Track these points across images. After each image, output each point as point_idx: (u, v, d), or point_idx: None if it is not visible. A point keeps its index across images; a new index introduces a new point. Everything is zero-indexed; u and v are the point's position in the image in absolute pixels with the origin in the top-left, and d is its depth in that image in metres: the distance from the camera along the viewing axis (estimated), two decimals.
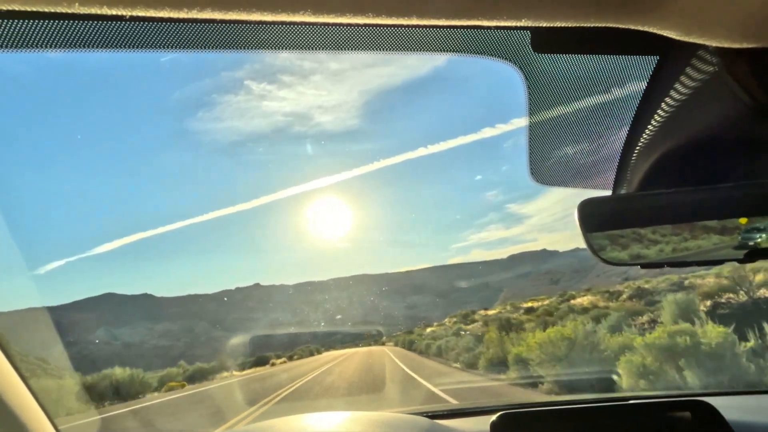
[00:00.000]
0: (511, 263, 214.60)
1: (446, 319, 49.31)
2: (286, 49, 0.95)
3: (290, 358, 49.84)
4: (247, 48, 0.94)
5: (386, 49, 0.99)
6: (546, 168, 1.27)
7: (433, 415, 2.11)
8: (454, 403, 9.67)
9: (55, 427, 1.34)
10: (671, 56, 0.94)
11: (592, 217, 1.11)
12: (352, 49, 0.97)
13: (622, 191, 1.24)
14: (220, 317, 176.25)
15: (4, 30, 0.81)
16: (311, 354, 57.75)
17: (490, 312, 47.41)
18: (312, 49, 0.96)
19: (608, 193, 1.25)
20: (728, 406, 1.83)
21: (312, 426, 1.68)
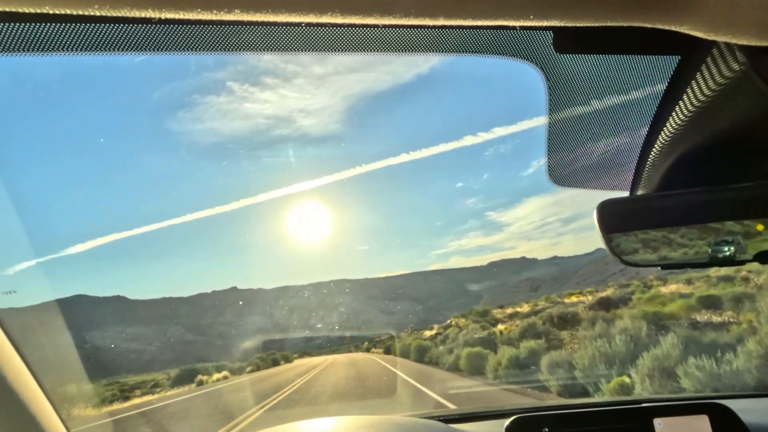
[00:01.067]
0: (491, 270, 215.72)
1: (453, 319, 43.20)
2: (296, 50, 0.94)
3: (238, 372, 36.44)
4: (250, 50, 0.93)
5: (404, 50, 0.98)
6: (564, 169, 1.26)
7: (447, 419, 2.09)
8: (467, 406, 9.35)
9: (67, 428, 1.34)
10: (694, 55, 0.93)
11: (611, 217, 1.10)
12: (368, 51, 0.97)
13: (640, 192, 1.22)
14: (195, 321, 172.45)
15: None
16: (276, 363, 44.70)
17: (522, 308, 35.93)
18: (324, 50, 0.95)
19: (626, 194, 1.24)
20: (745, 409, 1.82)
21: (330, 430, 1.66)
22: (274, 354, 49.63)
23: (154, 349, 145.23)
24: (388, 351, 39.29)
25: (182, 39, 0.89)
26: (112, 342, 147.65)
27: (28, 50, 0.84)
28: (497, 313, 37.89)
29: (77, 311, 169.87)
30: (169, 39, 0.89)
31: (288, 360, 50.43)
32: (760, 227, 1.03)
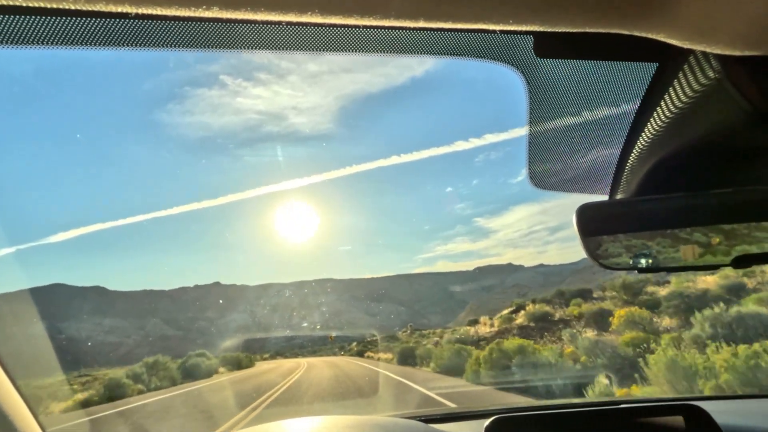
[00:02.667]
0: (478, 275, 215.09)
1: (483, 319, 34.40)
2: (282, 49, 0.95)
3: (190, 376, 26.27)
4: (243, 48, 0.94)
5: (387, 51, 1.00)
6: (545, 173, 1.28)
7: (428, 419, 2.11)
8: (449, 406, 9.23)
9: (42, 427, 1.30)
10: (671, 63, 0.95)
11: (590, 221, 1.12)
12: (352, 51, 0.98)
13: (619, 196, 1.25)
14: (174, 315, 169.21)
15: None
16: (241, 367, 35.69)
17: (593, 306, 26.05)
18: (309, 49, 0.97)
19: (605, 198, 1.27)
20: (720, 411, 1.88)
21: (311, 430, 1.66)
22: (240, 355, 38.45)
23: (131, 342, 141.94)
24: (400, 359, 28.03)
25: (174, 35, 0.89)
26: (88, 334, 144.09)
27: (21, 43, 0.85)
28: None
29: (54, 301, 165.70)
30: (161, 35, 0.89)
31: (251, 364, 38.92)
32: (715, 240, 1.07)
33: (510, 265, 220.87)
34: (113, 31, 0.86)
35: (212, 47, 0.93)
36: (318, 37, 0.94)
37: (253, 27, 0.89)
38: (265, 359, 53.89)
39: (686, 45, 0.62)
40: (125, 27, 0.86)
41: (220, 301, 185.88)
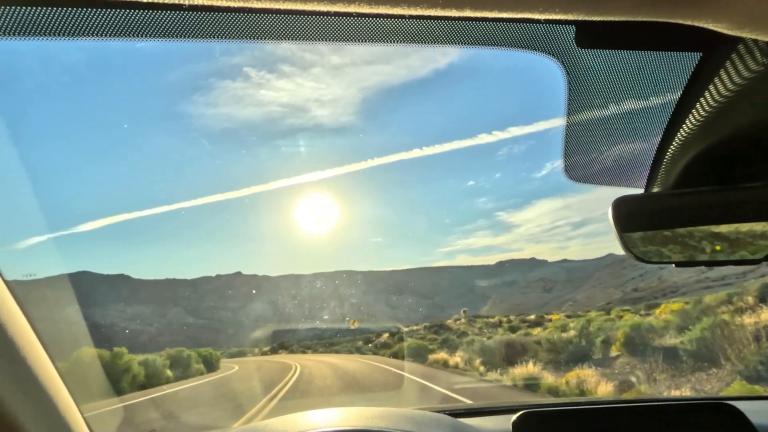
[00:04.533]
0: (499, 270, 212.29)
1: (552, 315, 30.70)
2: (316, 40, 0.95)
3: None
4: (267, 39, 0.94)
5: (424, 42, 0.99)
6: (580, 165, 1.27)
7: (454, 413, 2.08)
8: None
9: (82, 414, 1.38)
10: (716, 52, 0.92)
11: (626, 215, 1.12)
12: (387, 41, 0.98)
13: (655, 190, 1.23)
14: (196, 304, 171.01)
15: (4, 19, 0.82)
16: (207, 370, 26.85)
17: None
18: (343, 40, 0.96)
19: (640, 191, 1.25)
20: (755, 411, 1.84)
21: (342, 421, 1.69)
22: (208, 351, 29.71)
23: (153, 330, 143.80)
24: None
25: (196, 26, 0.90)
26: (111, 320, 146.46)
27: (49, 35, 0.86)
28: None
29: (80, 287, 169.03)
30: (176, 25, 0.89)
31: (214, 367, 28.64)
32: (754, 234, 1.03)
33: (533, 259, 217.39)
34: (130, 22, 0.86)
35: (236, 38, 0.91)
36: (349, 27, 0.92)
37: (278, 17, 0.88)
38: (264, 353, 45.54)
39: (735, 33, 0.60)
40: (140, 18, 0.85)
41: (242, 291, 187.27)
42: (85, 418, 1.40)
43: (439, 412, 2.04)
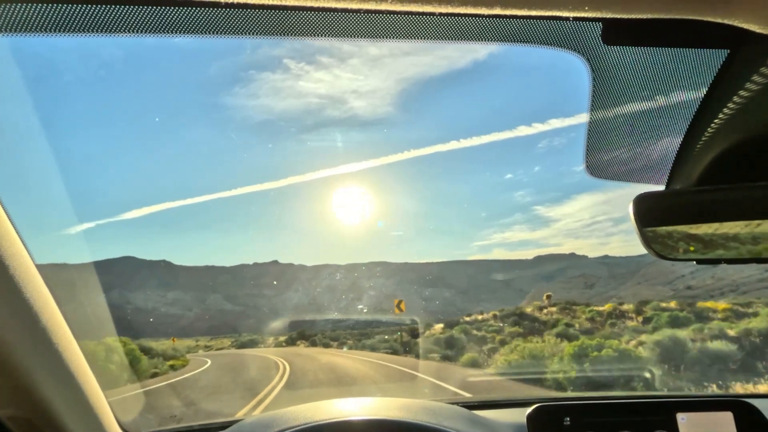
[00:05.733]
0: (537, 264, 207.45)
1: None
2: (349, 36, 0.96)
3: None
4: (291, 34, 0.95)
5: (454, 39, 1.00)
6: (602, 162, 1.28)
7: (468, 406, 2.09)
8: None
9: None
10: (744, 49, 0.93)
11: (648, 211, 1.12)
12: (418, 38, 0.99)
13: (677, 186, 1.23)
14: (234, 291, 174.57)
15: (80, 13, 0.85)
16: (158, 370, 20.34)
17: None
18: (373, 37, 0.97)
19: (661, 188, 1.26)
20: None
21: (360, 411, 1.70)
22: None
23: (191, 315, 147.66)
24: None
25: (233, 23, 0.91)
26: (153, 305, 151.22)
27: (96, 31, 0.88)
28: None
29: (124, 272, 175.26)
30: (220, 23, 0.91)
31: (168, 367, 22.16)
32: None
33: (573, 254, 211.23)
34: (128, 17, 0.87)
35: (241, 34, 0.92)
36: (381, 23, 0.93)
37: (311, 14, 0.89)
38: (280, 344, 40.35)
39: (765, 31, 0.59)
40: (142, 14, 0.87)
41: (278, 279, 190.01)
42: (110, 404, 1.47)
43: (453, 404, 2.01)
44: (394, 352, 23.78)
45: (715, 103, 1.03)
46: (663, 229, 1.11)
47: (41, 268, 1.15)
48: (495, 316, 30.48)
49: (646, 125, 1.17)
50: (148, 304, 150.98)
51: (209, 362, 24.80)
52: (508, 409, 2.17)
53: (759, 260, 1.08)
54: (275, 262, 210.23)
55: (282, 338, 41.71)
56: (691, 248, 1.10)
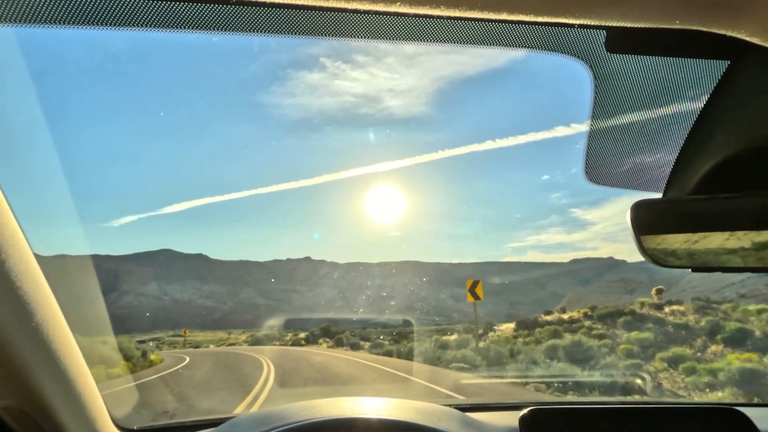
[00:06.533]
0: (573, 268, 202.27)
1: None
2: (370, 38, 0.99)
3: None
4: (315, 34, 0.97)
5: (461, 42, 1.02)
6: (602, 168, 1.29)
7: (461, 408, 2.08)
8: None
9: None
10: (744, 61, 0.95)
11: (645, 218, 1.14)
12: (425, 41, 1.01)
13: (674, 194, 1.24)
14: (267, 286, 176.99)
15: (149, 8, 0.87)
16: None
17: None
18: (378, 38, 0.99)
19: (659, 195, 1.26)
20: (762, 417, 1.84)
21: (353, 410, 1.71)
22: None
23: (225, 308, 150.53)
24: None
25: (267, 21, 0.92)
26: (189, 297, 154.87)
27: (143, 26, 0.90)
28: None
29: (162, 264, 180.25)
30: (252, 20, 0.92)
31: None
32: None
33: (611, 259, 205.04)
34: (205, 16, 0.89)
35: (248, 32, 0.93)
36: (389, 25, 0.95)
37: (338, 15, 0.92)
38: (296, 343, 35.21)
39: (765, 43, 0.60)
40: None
41: (310, 275, 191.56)
42: (104, 398, 1.48)
43: (446, 405, 2.02)
44: (471, 367, 14.63)
45: (714, 113, 1.05)
46: (660, 237, 1.13)
47: (44, 260, 1.16)
48: (588, 315, 24.25)
49: (646, 133, 1.17)
50: (185, 296, 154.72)
51: (187, 359, 22.97)
52: (501, 412, 2.16)
53: (754, 269, 1.09)
54: (308, 259, 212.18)
55: (302, 335, 37.64)
56: (687, 256, 1.11)
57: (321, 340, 33.49)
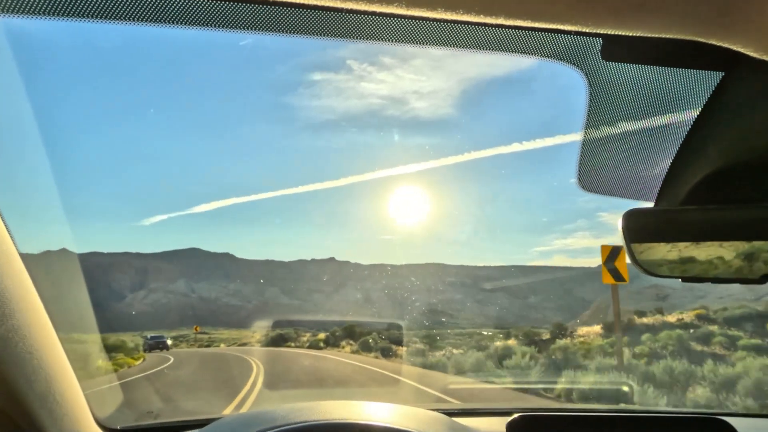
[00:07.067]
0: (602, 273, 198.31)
1: None
2: (349, 38, 0.97)
3: None
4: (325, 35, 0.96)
5: (457, 46, 1.02)
6: (594, 175, 1.30)
7: (448, 413, 2.07)
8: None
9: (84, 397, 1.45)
10: (738, 73, 0.95)
11: (637, 227, 1.15)
12: (424, 44, 1.01)
13: (666, 204, 1.26)
14: (291, 286, 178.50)
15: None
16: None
17: None
18: (374, 39, 0.98)
19: (651, 204, 1.28)
20: (746, 428, 1.85)
21: (340, 413, 1.70)
22: None
23: (251, 307, 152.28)
24: None
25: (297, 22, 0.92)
26: (215, 295, 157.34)
27: (171, 23, 0.90)
28: None
29: (190, 263, 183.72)
30: (285, 21, 0.92)
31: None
32: (762, 253, 1.06)
33: None
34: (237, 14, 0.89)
35: (251, 30, 0.93)
36: (385, 26, 0.94)
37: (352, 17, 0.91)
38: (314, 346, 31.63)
39: (761, 56, 0.60)
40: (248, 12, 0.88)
41: (334, 276, 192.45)
42: (86, 396, 1.46)
43: (434, 410, 2.02)
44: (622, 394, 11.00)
45: (707, 124, 1.04)
46: (651, 245, 1.13)
47: (28, 258, 1.14)
48: (703, 318, 18.39)
49: (640, 142, 1.18)
50: (212, 294, 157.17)
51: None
52: (488, 418, 2.16)
53: (742, 280, 1.09)
54: (332, 259, 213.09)
55: (321, 336, 34.00)
56: (676, 265, 1.12)
57: (343, 342, 29.42)
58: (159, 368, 18.95)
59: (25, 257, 1.12)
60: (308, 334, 37.52)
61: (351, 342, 28.72)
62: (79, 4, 0.83)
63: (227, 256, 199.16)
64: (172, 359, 22.78)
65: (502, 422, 1.85)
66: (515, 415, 1.83)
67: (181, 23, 0.90)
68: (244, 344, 42.38)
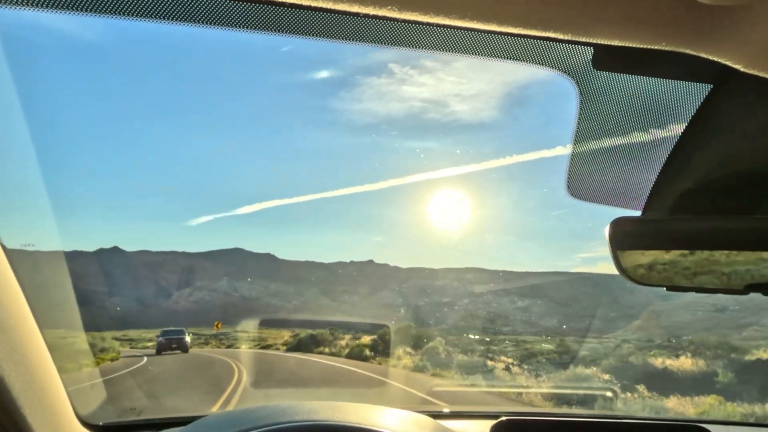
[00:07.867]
0: None
1: None
2: (346, 40, 0.97)
3: None
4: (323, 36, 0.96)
5: (450, 50, 1.04)
6: (583, 183, 1.31)
7: (433, 416, 2.08)
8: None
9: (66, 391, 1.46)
10: (726, 86, 0.96)
11: (623, 235, 1.16)
12: (423, 48, 1.02)
13: (653, 213, 1.27)
14: (330, 287, 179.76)
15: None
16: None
17: None
18: (368, 41, 0.98)
19: (638, 213, 1.29)
20: None
21: (323, 414, 1.69)
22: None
23: (290, 307, 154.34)
24: None
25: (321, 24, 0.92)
26: (256, 294, 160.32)
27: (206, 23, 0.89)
28: None
29: (233, 262, 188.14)
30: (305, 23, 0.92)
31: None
32: (747, 264, 1.07)
33: None
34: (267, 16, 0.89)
35: (253, 29, 0.93)
36: (382, 29, 0.95)
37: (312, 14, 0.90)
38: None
39: (750, 70, 0.61)
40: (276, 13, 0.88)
41: (373, 278, 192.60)
42: (69, 393, 1.46)
43: (420, 412, 2.04)
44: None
45: (695, 136, 1.06)
46: (637, 253, 1.14)
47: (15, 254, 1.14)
48: None
49: (629, 151, 1.18)
50: (253, 293, 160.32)
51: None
52: (473, 420, 2.15)
53: (727, 291, 1.10)
54: (371, 262, 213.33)
55: (366, 340, 27.96)
56: (662, 274, 1.13)
57: (399, 350, 22.60)
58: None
59: (8, 252, 1.11)
60: (348, 336, 31.56)
61: (409, 350, 22.17)
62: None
63: (269, 257, 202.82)
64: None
65: (487, 425, 1.85)
66: (500, 419, 1.84)
67: (199, 22, 0.88)
68: (267, 347, 37.33)
